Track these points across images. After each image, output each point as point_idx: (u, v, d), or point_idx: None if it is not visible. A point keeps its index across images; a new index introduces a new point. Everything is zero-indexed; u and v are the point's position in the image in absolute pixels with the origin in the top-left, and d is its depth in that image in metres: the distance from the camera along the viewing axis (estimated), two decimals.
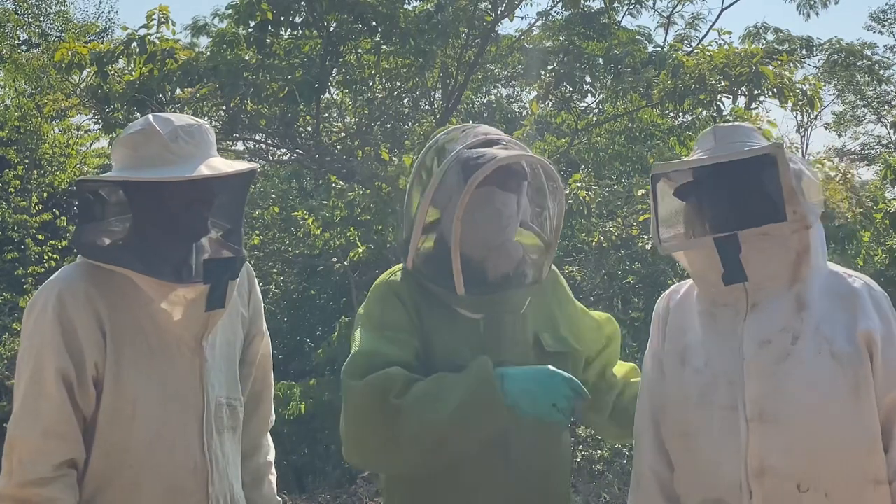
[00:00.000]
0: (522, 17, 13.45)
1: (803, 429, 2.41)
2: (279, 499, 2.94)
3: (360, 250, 7.41)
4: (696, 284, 2.63)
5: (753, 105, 7.55)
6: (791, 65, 7.93)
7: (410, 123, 9.38)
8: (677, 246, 2.61)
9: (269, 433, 2.92)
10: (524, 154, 2.59)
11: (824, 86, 17.19)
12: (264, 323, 2.87)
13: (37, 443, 2.43)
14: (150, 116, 2.60)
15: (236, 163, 2.64)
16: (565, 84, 8.18)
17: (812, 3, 19.15)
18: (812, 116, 21.35)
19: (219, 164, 2.55)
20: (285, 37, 7.91)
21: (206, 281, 2.51)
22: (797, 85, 7.36)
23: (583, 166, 10.19)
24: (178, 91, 7.46)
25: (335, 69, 8.21)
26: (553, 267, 2.78)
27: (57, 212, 12.07)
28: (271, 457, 2.91)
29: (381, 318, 2.55)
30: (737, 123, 2.63)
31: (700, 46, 8.67)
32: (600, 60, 8.08)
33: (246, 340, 2.79)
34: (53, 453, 2.43)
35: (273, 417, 2.94)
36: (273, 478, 2.91)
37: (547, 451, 2.62)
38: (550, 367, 2.44)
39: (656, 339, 2.69)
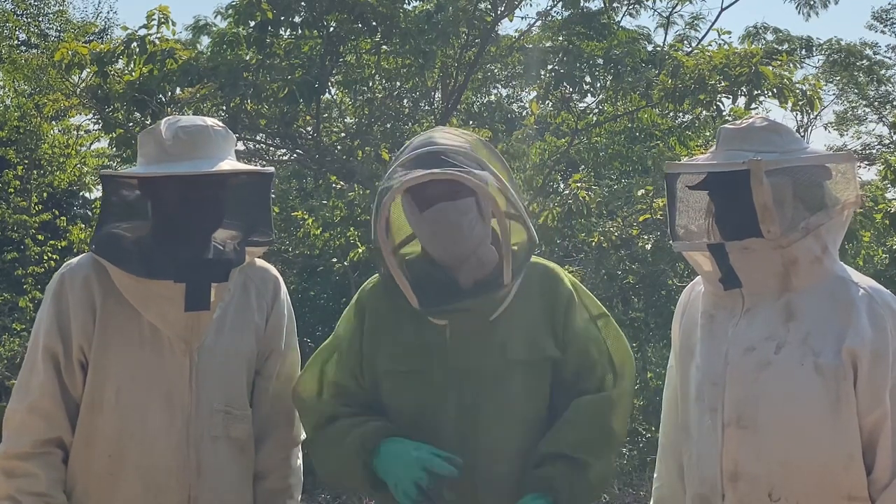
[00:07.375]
0: (522, 18, 13.55)
1: (777, 438, 2.40)
2: None
3: (360, 250, 7.39)
4: (703, 284, 2.64)
5: (753, 105, 7.51)
6: (791, 65, 7.92)
7: (410, 123, 9.37)
8: (679, 246, 2.63)
9: (293, 458, 2.77)
10: (426, 173, 2.44)
11: (824, 85, 17.19)
12: (285, 342, 2.76)
13: (22, 417, 2.50)
14: (170, 118, 2.63)
15: (230, 163, 2.59)
16: (565, 84, 8.17)
17: (812, 2, 19.16)
18: (812, 116, 21.34)
19: (221, 165, 2.54)
20: (285, 37, 7.91)
21: (178, 279, 2.48)
22: (797, 85, 7.35)
23: (583, 166, 10.20)
24: (178, 91, 7.45)
25: (335, 69, 8.20)
26: (559, 273, 2.69)
27: (57, 212, 12.02)
28: (292, 480, 2.76)
29: (339, 330, 2.73)
30: (743, 126, 2.54)
31: (700, 46, 8.68)
32: (600, 60, 8.08)
33: (262, 354, 2.71)
34: (35, 430, 2.49)
35: (295, 442, 2.78)
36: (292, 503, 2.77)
37: (518, 436, 2.54)
38: (419, 445, 2.46)
39: (677, 329, 2.73)
